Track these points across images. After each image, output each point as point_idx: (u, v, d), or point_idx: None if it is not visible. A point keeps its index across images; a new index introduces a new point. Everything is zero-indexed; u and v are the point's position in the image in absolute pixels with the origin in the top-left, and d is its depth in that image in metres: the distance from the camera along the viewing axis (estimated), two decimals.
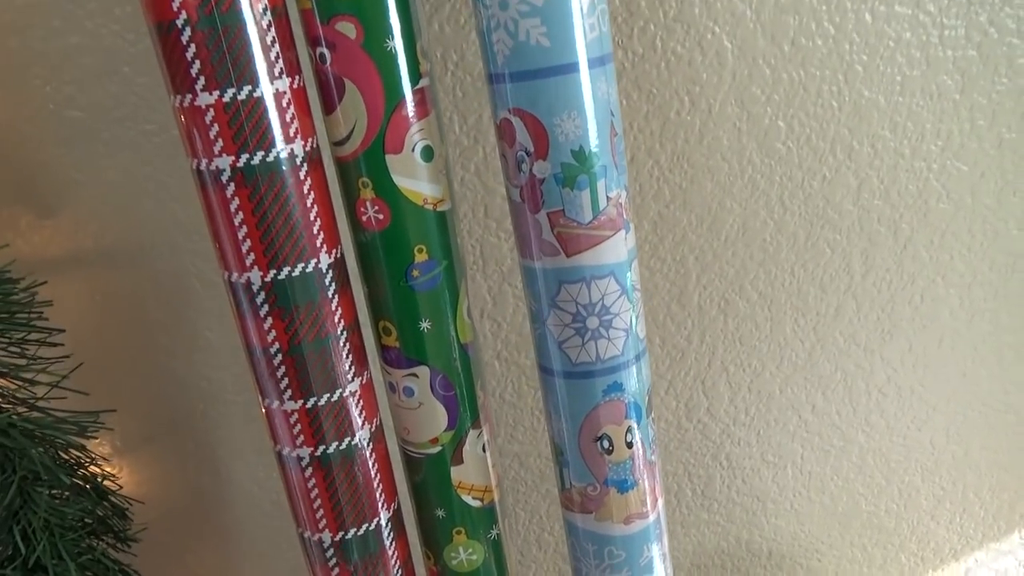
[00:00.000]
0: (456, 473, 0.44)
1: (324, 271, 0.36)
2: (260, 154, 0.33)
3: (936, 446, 0.74)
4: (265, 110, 0.33)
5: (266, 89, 0.33)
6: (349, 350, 0.38)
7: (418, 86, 0.36)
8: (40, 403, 0.44)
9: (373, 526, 0.41)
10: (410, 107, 0.36)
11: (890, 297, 0.65)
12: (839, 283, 0.63)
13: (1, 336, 0.42)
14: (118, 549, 0.51)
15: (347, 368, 0.38)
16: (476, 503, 0.45)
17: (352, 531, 0.41)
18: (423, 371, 0.41)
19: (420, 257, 0.39)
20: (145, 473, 0.60)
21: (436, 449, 0.43)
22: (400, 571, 0.44)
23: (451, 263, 0.40)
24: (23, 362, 0.43)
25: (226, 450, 0.61)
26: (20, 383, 0.43)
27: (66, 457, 0.47)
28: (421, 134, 0.37)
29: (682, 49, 0.52)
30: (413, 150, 0.37)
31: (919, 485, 0.76)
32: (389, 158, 0.36)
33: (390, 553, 0.43)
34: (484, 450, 0.44)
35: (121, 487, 0.52)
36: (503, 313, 0.59)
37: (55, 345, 0.44)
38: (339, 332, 0.37)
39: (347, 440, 0.39)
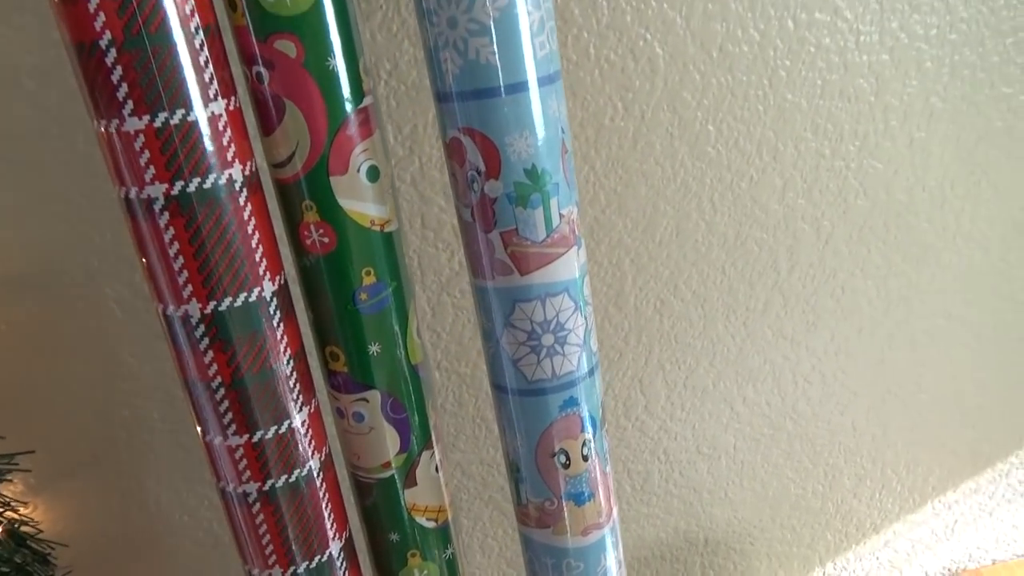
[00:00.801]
0: (410, 496, 0.43)
1: (268, 299, 0.34)
2: (196, 180, 0.31)
3: (857, 428, 0.78)
4: (200, 134, 0.31)
5: (200, 112, 0.30)
6: (296, 379, 0.36)
7: (361, 105, 0.35)
8: None
9: (325, 558, 0.40)
10: (354, 127, 0.35)
11: (814, 290, 0.67)
12: (767, 279, 0.65)
13: None
14: None
15: (295, 397, 0.36)
16: (430, 524, 0.44)
17: (304, 564, 0.39)
18: (373, 395, 0.40)
19: (368, 280, 0.37)
20: (66, 511, 0.56)
21: (388, 473, 0.42)
22: None
23: (400, 284, 0.39)
24: None
25: (153, 480, 0.57)
26: None
27: None
28: (366, 154, 0.35)
29: (615, 56, 0.52)
30: (359, 171, 0.35)
31: (842, 466, 0.80)
32: (334, 180, 0.35)
33: None
34: (437, 470, 0.43)
35: (41, 530, 0.48)
36: (442, 324, 0.58)
37: None
38: (285, 361, 0.36)
39: (296, 472, 0.38)
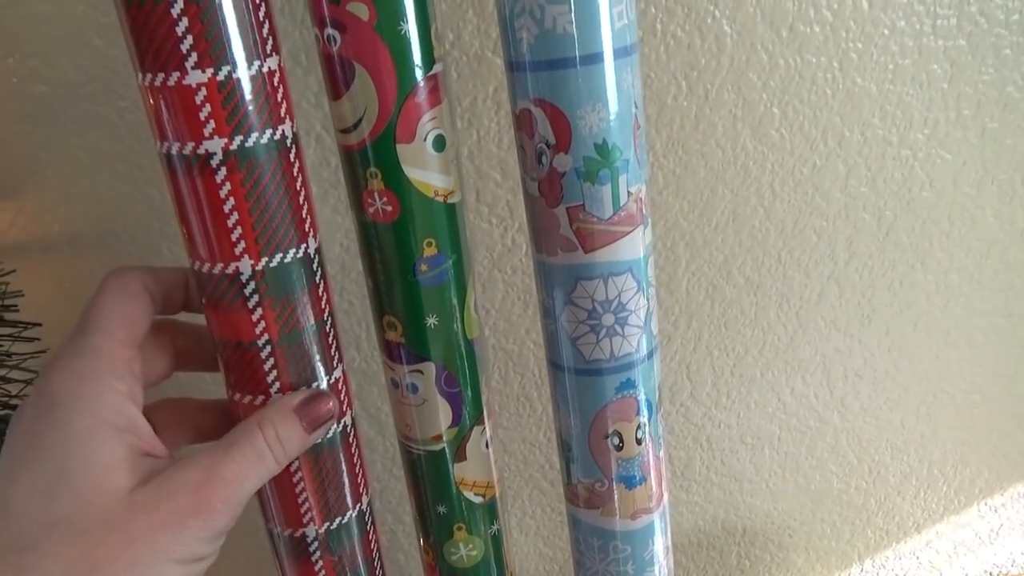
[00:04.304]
0: (459, 470, 0.43)
1: (312, 256, 0.34)
2: (255, 135, 0.31)
3: (906, 426, 0.76)
4: (260, 89, 0.31)
5: (258, 67, 0.30)
6: (333, 336, 0.37)
7: (432, 72, 0.34)
8: (15, 401, 0.41)
9: (356, 513, 0.40)
10: (423, 94, 0.34)
11: (871, 283, 0.65)
12: (823, 269, 0.64)
13: None
14: None
15: (332, 354, 0.37)
16: (478, 499, 0.44)
17: (337, 520, 0.39)
18: (428, 367, 0.40)
19: (429, 251, 0.37)
20: None
21: (439, 446, 0.42)
22: (378, 556, 0.43)
23: (460, 257, 0.38)
24: None
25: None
26: None
27: None
28: (434, 123, 0.35)
29: (682, 33, 0.51)
30: (425, 139, 0.35)
31: (888, 463, 0.78)
32: (400, 148, 0.34)
33: (371, 539, 0.42)
34: (487, 446, 0.43)
35: None
36: (492, 300, 0.58)
37: (31, 340, 0.41)
38: (325, 318, 0.36)
39: (334, 428, 0.38)
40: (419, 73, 0.34)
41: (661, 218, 0.57)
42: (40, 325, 0.41)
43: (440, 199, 0.36)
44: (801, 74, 0.54)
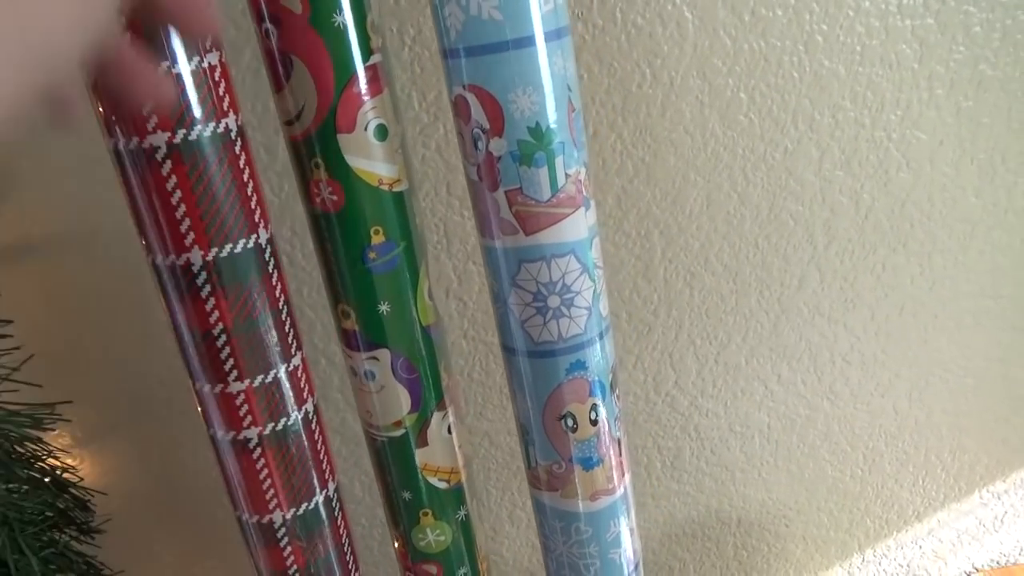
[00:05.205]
0: (421, 455, 0.43)
1: (263, 246, 0.35)
2: (197, 128, 0.32)
3: (899, 411, 0.75)
4: (200, 84, 0.32)
5: (198, 63, 0.32)
6: (290, 325, 0.37)
7: (370, 62, 0.35)
8: None
9: (323, 499, 0.41)
10: (362, 84, 0.35)
11: (852, 267, 0.65)
12: (802, 254, 0.63)
13: None
14: (82, 541, 0.50)
15: (289, 343, 0.38)
16: (443, 484, 0.44)
17: (303, 506, 0.40)
18: (383, 354, 0.40)
19: (377, 239, 0.38)
20: (108, 464, 0.59)
21: (400, 432, 0.43)
22: (348, 541, 0.44)
23: (410, 244, 0.39)
24: None
25: (188, 438, 0.60)
26: None
27: (21, 451, 0.46)
28: (374, 112, 0.36)
29: (642, 20, 0.51)
30: (366, 129, 0.36)
31: (883, 450, 0.78)
32: (341, 137, 0.35)
33: (339, 525, 0.43)
34: (450, 431, 0.44)
35: (82, 479, 0.51)
36: (468, 292, 0.59)
37: (4, 336, 0.42)
38: (280, 307, 0.37)
39: (294, 414, 0.39)
40: (356, 64, 0.35)
41: (633, 207, 0.58)
42: (11, 322, 0.43)
43: (386, 187, 0.37)
44: (766, 58, 0.54)
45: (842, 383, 0.72)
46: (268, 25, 0.34)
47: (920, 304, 0.69)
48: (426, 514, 0.45)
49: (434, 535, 0.45)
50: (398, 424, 0.42)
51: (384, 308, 0.39)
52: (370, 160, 0.36)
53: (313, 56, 0.34)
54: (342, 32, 0.34)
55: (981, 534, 0.87)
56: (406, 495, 0.44)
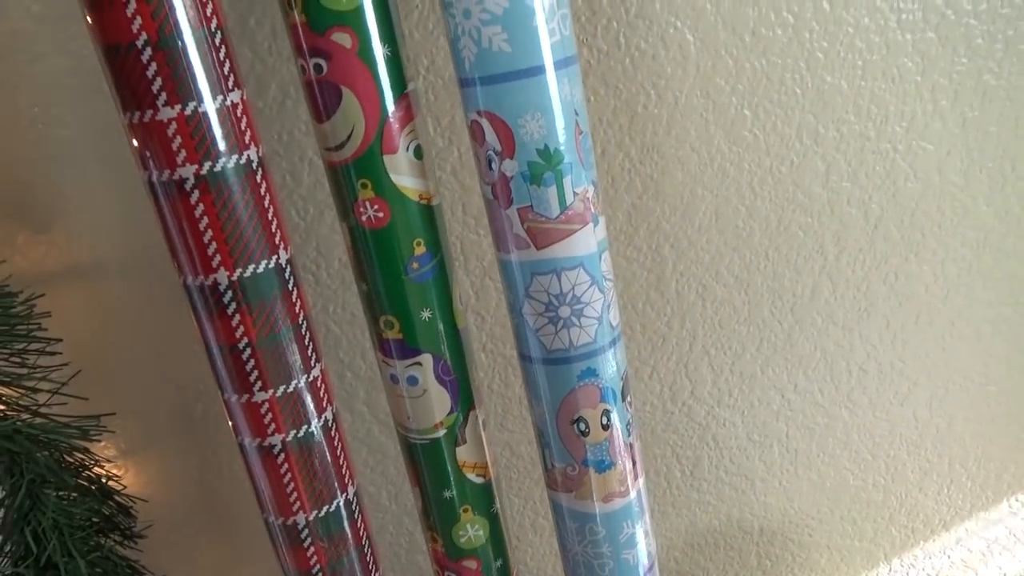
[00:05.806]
0: (460, 453, 0.46)
1: (284, 266, 0.38)
2: (222, 160, 0.35)
3: (920, 420, 0.76)
4: (224, 120, 0.35)
5: (223, 101, 0.35)
6: (309, 338, 0.40)
7: (407, 90, 0.39)
8: (43, 409, 0.46)
9: (343, 501, 0.44)
10: (402, 110, 0.39)
11: (864, 276, 0.66)
12: (813, 264, 0.65)
13: (2, 347, 0.44)
14: (125, 546, 0.53)
15: (310, 354, 0.40)
16: (479, 479, 0.47)
17: (325, 508, 0.43)
18: (426, 359, 0.43)
19: (419, 250, 0.41)
20: (150, 473, 0.62)
21: (440, 433, 0.45)
22: (368, 542, 0.46)
23: (442, 253, 0.42)
24: (24, 371, 0.45)
25: (226, 449, 0.63)
26: (22, 391, 0.45)
27: (70, 460, 0.49)
28: (412, 135, 0.39)
29: (646, 44, 0.54)
30: (407, 149, 0.39)
31: (905, 459, 0.78)
32: (387, 158, 0.39)
33: (359, 526, 0.45)
34: (483, 428, 0.47)
35: (125, 487, 0.54)
36: (486, 306, 0.61)
37: (54, 354, 0.46)
38: (300, 322, 0.40)
39: (313, 422, 0.41)
40: (396, 92, 0.38)
41: (643, 221, 0.60)
42: (61, 340, 0.46)
43: (424, 202, 0.41)
44: (768, 76, 0.56)
45: (860, 392, 0.72)
46: (319, 60, 0.37)
47: (936, 312, 0.69)
48: (466, 510, 0.48)
49: (473, 530, 0.48)
50: (439, 425, 0.45)
51: (426, 315, 0.42)
52: (412, 177, 0.40)
53: (362, 85, 0.37)
54: (386, 63, 0.37)
55: (1012, 544, 0.87)
56: (448, 493, 0.47)
